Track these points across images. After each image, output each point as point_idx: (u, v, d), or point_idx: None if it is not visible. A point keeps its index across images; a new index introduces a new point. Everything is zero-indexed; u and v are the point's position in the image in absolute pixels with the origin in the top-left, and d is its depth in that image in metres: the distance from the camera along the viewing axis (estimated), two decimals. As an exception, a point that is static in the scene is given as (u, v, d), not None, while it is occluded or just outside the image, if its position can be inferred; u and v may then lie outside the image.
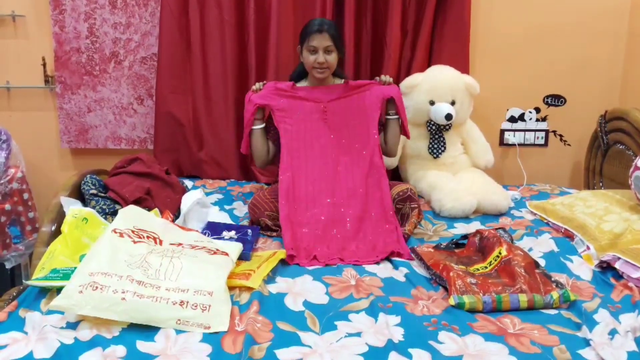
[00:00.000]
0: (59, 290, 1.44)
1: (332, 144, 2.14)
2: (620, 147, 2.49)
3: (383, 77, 2.18)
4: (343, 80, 2.24)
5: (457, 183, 2.40)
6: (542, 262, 1.79)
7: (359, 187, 2.07)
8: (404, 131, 2.23)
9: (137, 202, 2.00)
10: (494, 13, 2.72)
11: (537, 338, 1.39)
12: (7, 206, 2.33)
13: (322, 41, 2.08)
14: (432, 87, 2.49)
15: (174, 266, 1.52)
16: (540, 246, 1.93)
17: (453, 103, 2.50)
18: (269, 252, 1.87)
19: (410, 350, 1.33)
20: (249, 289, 1.58)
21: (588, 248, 1.88)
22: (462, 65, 2.61)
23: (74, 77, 2.62)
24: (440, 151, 2.54)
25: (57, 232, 1.77)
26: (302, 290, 1.62)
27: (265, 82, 2.19)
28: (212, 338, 1.36)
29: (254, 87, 2.17)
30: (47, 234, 1.81)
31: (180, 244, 1.67)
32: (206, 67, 2.60)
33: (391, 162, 2.52)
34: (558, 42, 2.76)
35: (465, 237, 1.97)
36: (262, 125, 2.19)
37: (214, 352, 1.31)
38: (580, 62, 2.79)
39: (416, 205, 2.10)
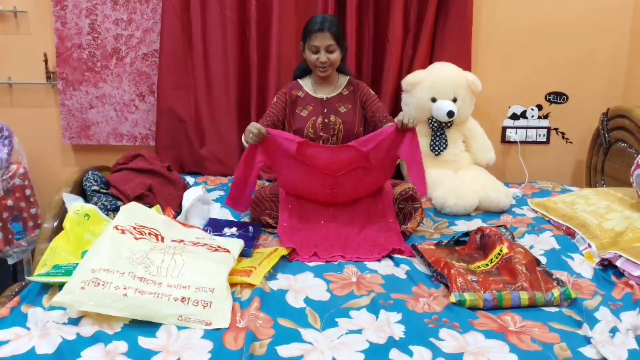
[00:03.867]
0: (61, 286, 1.45)
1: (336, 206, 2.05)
2: (622, 145, 2.49)
3: (405, 120, 1.88)
4: (350, 85, 2.19)
5: (458, 180, 2.40)
6: (543, 260, 1.79)
7: (362, 201, 2.06)
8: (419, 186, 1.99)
9: (139, 198, 2.00)
10: (496, 10, 2.71)
11: (538, 336, 1.40)
12: (10, 202, 2.33)
13: (323, 40, 2.06)
14: (434, 84, 2.49)
15: (176, 263, 1.53)
16: (541, 244, 1.93)
17: (455, 100, 2.50)
18: (270, 248, 1.87)
19: (411, 347, 1.33)
20: (250, 285, 1.59)
21: (589, 246, 1.88)
22: (464, 62, 2.61)
23: (76, 74, 2.63)
24: (441, 148, 2.54)
25: (59, 229, 1.77)
26: (303, 287, 1.63)
27: (264, 130, 1.88)
28: (214, 334, 1.36)
29: (246, 138, 1.89)
30: (49, 230, 1.81)
31: (181, 241, 1.67)
32: (208, 64, 2.60)
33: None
34: (560, 39, 2.75)
35: (466, 234, 1.97)
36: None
37: (215, 348, 1.31)
38: (582, 60, 2.78)
39: (419, 205, 2.09)
